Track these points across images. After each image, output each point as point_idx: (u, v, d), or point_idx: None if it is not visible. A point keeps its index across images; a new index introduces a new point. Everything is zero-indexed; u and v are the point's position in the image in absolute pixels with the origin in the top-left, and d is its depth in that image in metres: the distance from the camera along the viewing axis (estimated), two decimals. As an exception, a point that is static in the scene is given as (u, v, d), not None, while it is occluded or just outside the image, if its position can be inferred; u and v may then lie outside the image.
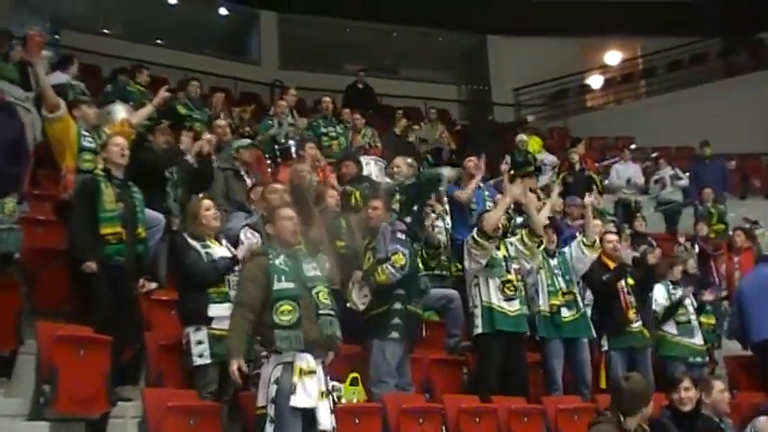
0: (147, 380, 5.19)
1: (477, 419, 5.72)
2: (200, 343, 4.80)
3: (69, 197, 5.47)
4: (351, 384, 5.44)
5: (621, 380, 4.26)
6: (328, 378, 4.31)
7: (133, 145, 5.70)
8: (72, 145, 5.81)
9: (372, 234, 5.84)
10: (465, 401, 5.85)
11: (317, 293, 4.26)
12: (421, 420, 5.43)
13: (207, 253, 4.95)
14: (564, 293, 6.61)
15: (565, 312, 6.56)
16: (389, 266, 5.56)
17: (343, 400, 5.29)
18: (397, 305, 5.61)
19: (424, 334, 5.99)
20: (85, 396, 4.62)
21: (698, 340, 7.33)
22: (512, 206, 7.64)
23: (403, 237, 5.73)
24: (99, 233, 5.05)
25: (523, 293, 6.32)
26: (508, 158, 7.94)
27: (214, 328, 4.80)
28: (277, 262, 4.28)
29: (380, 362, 5.52)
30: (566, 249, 6.86)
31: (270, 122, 9.20)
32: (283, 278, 4.25)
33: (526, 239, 6.34)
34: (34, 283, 5.63)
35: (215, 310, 4.82)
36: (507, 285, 6.16)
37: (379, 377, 5.50)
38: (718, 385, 5.19)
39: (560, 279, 6.66)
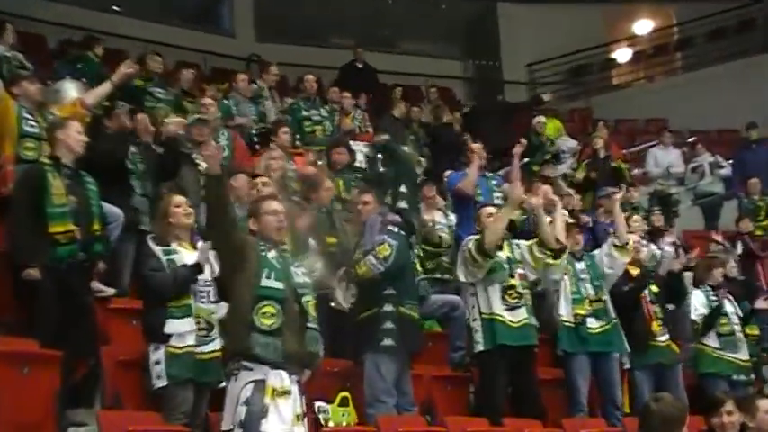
0: (103, 401, 5.17)
1: (486, 445, 5.74)
2: (157, 363, 4.81)
3: (9, 191, 5.44)
4: (340, 405, 5.46)
5: (651, 401, 4.26)
6: (303, 399, 4.29)
7: (88, 131, 5.68)
8: (11, 131, 5.80)
9: (360, 232, 5.85)
10: (471, 424, 5.87)
11: (307, 303, 4.28)
12: (421, 446, 5.46)
13: (170, 260, 4.92)
14: (591, 301, 6.61)
15: (592, 323, 6.56)
16: (371, 257, 5.56)
17: (331, 423, 5.31)
18: (388, 307, 5.60)
19: (422, 345, 5.97)
20: (30, 421, 4.59)
21: (742, 355, 7.37)
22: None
23: (395, 229, 5.75)
24: (47, 232, 5.04)
25: (530, 301, 6.25)
26: (524, 141, 7.97)
27: (173, 347, 4.80)
28: (269, 256, 4.29)
29: (375, 378, 5.52)
30: (595, 252, 6.84)
31: (229, 102, 9.18)
32: (273, 275, 4.24)
33: (536, 251, 6.24)
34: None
35: (173, 325, 4.82)
36: (510, 292, 6.11)
37: (375, 396, 5.50)
38: (765, 406, 5.18)
39: (588, 285, 6.67)
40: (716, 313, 7.31)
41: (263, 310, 4.15)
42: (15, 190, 5.30)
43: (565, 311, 6.60)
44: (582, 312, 6.57)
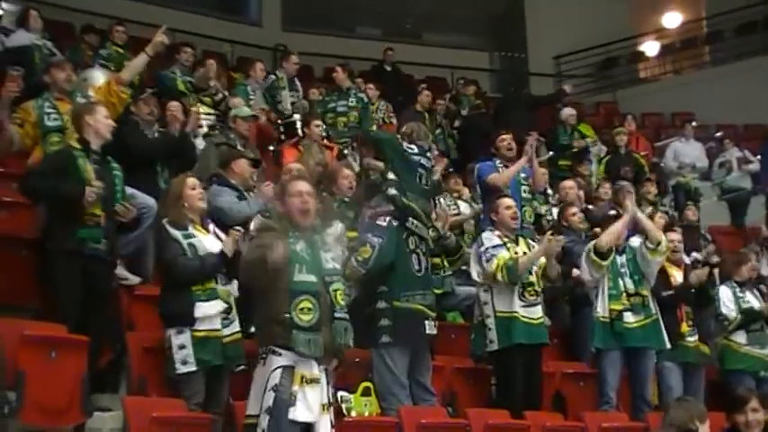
0: (128, 387, 5.23)
1: (508, 438, 5.74)
2: (182, 348, 4.78)
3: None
4: (362, 395, 5.45)
5: (673, 402, 4.28)
6: (330, 388, 4.24)
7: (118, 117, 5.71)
8: (33, 131, 5.85)
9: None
10: (493, 416, 5.86)
11: (335, 292, 4.18)
12: (442, 438, 5.46)
13: (190, 244, 4.89)
14: (629, 295, 6.53)
15: (629, 317, 6.48)
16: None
17: (353, 413, 5.31)
18: (382, 304, 5.55)
19: (434, 332, 5.86)
20: (57, 405, 4.64)
21: None
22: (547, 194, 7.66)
23: (384, 222, 5.64)
24: (74, 215, 5.06)
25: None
26: (535, 134, 7.89)
27: (199, 330, 4.80)
28: (298, 248, 4.17)
29: (384, 372, 5.52)
30: (635, 244, 6.69)
31: (246, 88, 9.20)
32: (304, 269, 4.13)
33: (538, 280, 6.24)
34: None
35: (202, 309, 4.81)
36: (528, 290, 6.11)
37: (387, 389, 5.50)
38: None
39: (627, 279, 6.57)
40: (751, 315, 7.22)
41: (301, 305, 4.07)
42: (39, 172, 5.30)
43: (600, 308, 6.54)
44: (618, 308, 6.49)
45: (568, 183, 8.41)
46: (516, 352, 5.99)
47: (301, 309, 4.07)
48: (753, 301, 7.34)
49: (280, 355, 4.07)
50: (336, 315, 4.15)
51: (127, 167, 5.61)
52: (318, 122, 8.21)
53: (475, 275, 6.23)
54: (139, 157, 6.21)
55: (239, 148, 7.14)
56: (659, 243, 6.54)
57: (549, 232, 6.56)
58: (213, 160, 6.92)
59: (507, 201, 6.44)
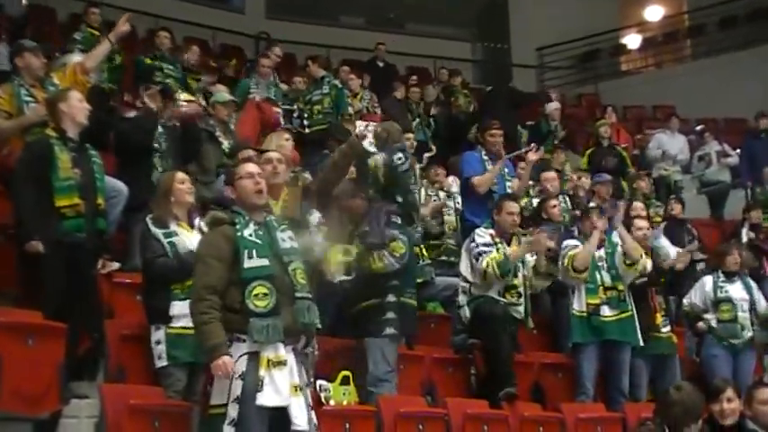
0: (106, 375, 5.21)
1: (486, 428, 5.76)
2: (158, 343, 4.86)
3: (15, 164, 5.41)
4: (341, 383, 5.46)
5: (673, 390, 4.28)
6: (303, 369, 4.19)
7: (92, 103, 5.64)
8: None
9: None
10: (471, 406, 5.89)
11: (294, 271, 4.11)
12: (421, 426, 5.47)
13: (171, 243, 4.92)
14: (606, 289, 6.60)
15: (605, 311, 6.56)
16: (388, 255, 5.52)
17: (332, 402, 5.32)
18: (391, 297, 5.56)
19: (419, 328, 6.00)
20: (34, 392, 4.62)
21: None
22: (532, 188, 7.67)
23: (399, 220, 5.69)
24: (53, 205, 5.03)
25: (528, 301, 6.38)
26: (534, 146, 7.89)
27: (174, 327, 4.84)
28: (246, 233, 4.10)
29: (379, 360, 5.54)
30: (617, 239, 6.75)
31: (249, 81, 9.20)
32: (255, 253, 4.05)
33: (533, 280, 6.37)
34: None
35: (177, 307, 4.83)
36: (511, 291, 6.28)
37: (378, 376, 5.52)
38: (762, 396, 5.17)
39: (604, 273, 6.65)
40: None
41: (255, 291, 3.99)
42: (20, 162, 5.23)
43: (577, 304, 6.61)
44: (595, 302, 6.56)
45: (550, 174, 8.43)
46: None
47: (256, 295, 4.00)
48: (735, 292, 7.35)
49: (243, 341, 4.01)
50: (297, 295, 4.08)
51: (123, 161, 5.53)
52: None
53: (463, 268, 6.35)
54: (140, 147, 6.16)
55: (217, 133, 7.10)
56: (636, 262, 6.62)
57: (538, 230, 6.60)
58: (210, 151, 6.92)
59: (512, 206, 6.50)
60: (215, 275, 4.04)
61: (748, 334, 7.26)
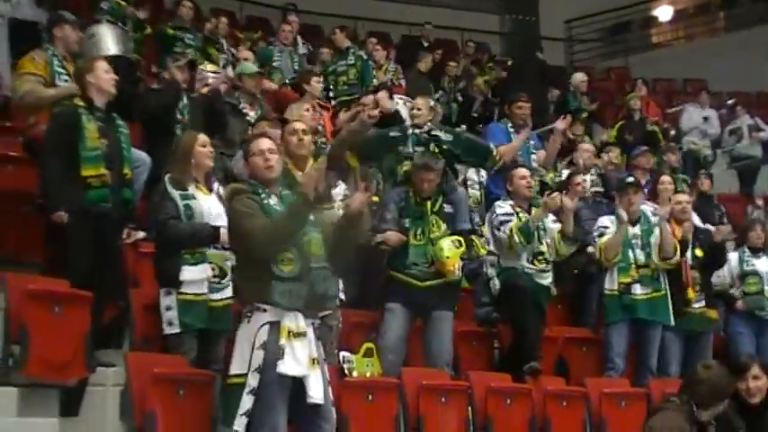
0: (131, 343, 5.26)
1: (509, 401, 5.77)
2: (168, 309, 4.82)
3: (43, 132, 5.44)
4: (364, 356, 5.48)
5: (700, 368, 4.26)
6: (320, 344, 4.22)
7: (119, 74, 5.64)
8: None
9: (421, 195, 5.80)
10: (494, 380, 5.90)
11: (309, 242, 4.11)
12: (443, 399, 5.48)
13: (187, 205, 4.87)
14: (639, 267, 6.55)
15: (636, 289, 6.52)
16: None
17: (355, 373, 5.33)
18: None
19: None
20: (60, 360, 4.66)
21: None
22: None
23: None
24: (80, 175, 5.05)
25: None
26: (568, 118, 7.82)
27: (185, 293, 4.81)
28: (271, 203, 4.14)
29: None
30: (654, 219, 6.70)
31: (272, 49, 9.18)
32: None
33: (561, 243, 6.35)
34: (2, 229, 5.67)
35: (188, 273, 4.81)
36: (539, 258, 6.30)
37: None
38: None
39: (638, 251, 6.58)
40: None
41: (281, 256, 4.00)
42: (48, 131, 5.28)
43: (609, 283, 6.57)
44: (627, 280, 6.52)
45: (586, 146, 8.39)
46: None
47: (282, 260, 4.01)
48: (761, 265, 7.31)
49: (264, 311, 4.02)
50: (313, 265, 4.08)
51: (146, 132, 5.54)
52: (319, 79, 8.15)
53: (488, 238, 6.40)
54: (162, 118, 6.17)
55: (242, 105, 7.07)
56: (670, 258, 6.57)
57: (547, 192, 6.60)
58: (234, 123, 6.92)
59: (522, 171, 6.53)
60: (263, 219, 4.05)
61: None
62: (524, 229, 6.16)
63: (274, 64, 9.22)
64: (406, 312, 5.70)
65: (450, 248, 5.63)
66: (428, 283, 5.70)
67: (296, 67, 9.42)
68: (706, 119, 11.48)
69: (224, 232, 4.70)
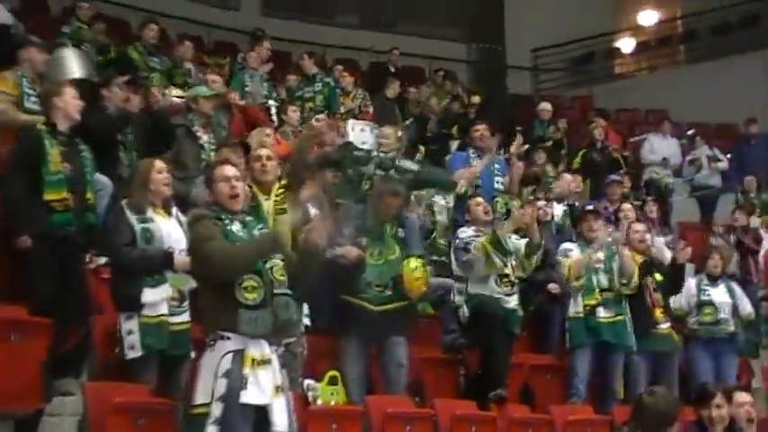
0: (91, 372, 5.14)
1: (474, 429, 5.72)
2: (130, 333, 4.74)
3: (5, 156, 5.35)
4: (329, 383, 5.40)
5: (645, 395, 4.22)
6: (285, 372, 4.17)
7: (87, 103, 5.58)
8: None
9: (385, 219, 5.75)
10: (460, 407, 5.85)
11: (272, 268, 4.08)
12: (408, 427, 5.42)
13: (145, 229, 4.81)
14: (602, 290, 6.59)
15: (601, 312, 6.55)
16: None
17: (320, 402, 5.25)
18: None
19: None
20: (16, 389, 4.57)
21: None
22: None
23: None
24: (43, 199, 4.97)
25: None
26: (520, 139, 7.89)
27: (147, 315, 4.75)
28: (234, 228, 4.10)
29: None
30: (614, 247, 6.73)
31: (243, 75, 9.13)
32: None
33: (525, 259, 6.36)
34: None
35: (149, 295, 4.75)
36: (504, 280, 6.27)
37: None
38: (740, 398, 5.10)
39: (601, 275, 6.64)
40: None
41: (245, 284, 3.96)
42: (11, 155, 5.19)
43: (573, 306, 6.60)
44: (592, 303, 6.55)
45: (569, 176, 8.49)
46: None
47: (245, 287, 3.97)
48: (717, 295, 7.31)
49: (228, 339, 3.96)
50: (276, 291, 4.06)
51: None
52: (295, 108, 8.14)
53: (454, 266, 6.41)
54: (102, 137, 6.08)
55: (195, 128, 6.98)
56: (629, 281, 6.64)
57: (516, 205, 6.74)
58: (187, 146, 6.82)
59: (477, 200, 6.64)
60: (224, 242, 4.01)
61: (729, 329, 7.22)
62: (496, 241, 6.13)
63: (246, 89, 9.15)
64: (361, 342, 5.62)
65: (419, 269, 5.60)
66: (383, 307, 5.61)
67: (266, 93, 9.35)
68: (665, 159, 11.58)
69: (178, 258, 4.66)
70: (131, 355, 4.73)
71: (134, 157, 6.32)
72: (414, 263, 5.61)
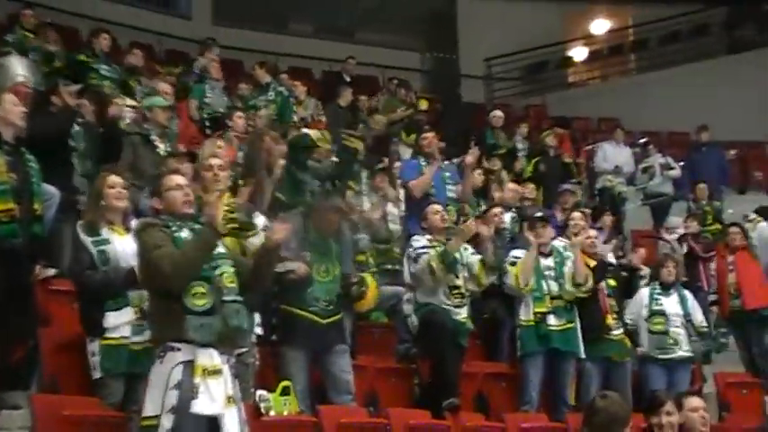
0: (39, 385, 5.07)
1: (428, 438, 5.74)
2: (93, 355, 4.76)
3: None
4: (281, 394, 5.39)
5: (598, 399, 4.28)
6: (237, 382, 4.16)
7: (32, 107, 5.54)
8: None
9: (325, 235, 5.77)
10: (413, 417, 5.87)
11: (222, 275, 4.08)
12: (362, 437, 5.43)
13: (101, 251, 4.80)
14: (552, 298, 6.64)
15: (551, 320, 6.60)
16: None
17: (272, 412, 5.25)
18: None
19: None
20: (-37, 403, 4.49)
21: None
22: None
23: None
24: None
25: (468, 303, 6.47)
26: (476, 151, 7.95)
27: (108, 338, 4.75)
28: (183, 235, 4.10)
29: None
30: (565, 251, 6.82)
31: (203, 86, 9.12)
32: None
33: (480, 276, 6.43)
34: None
35: (111, 318, 4.75)
36: (454, 292, 6.32)
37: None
38: (691, 403, 5.19)
39: (551, 282, 6.69)
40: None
41: (194, 291, 3.97)
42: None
43: (524, 314, 6.64)
44: (542, 310, 6.60)
45: (512, 185, 8.56)
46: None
47: (194, 294, 3.98)
48: (669, 305, 7.39)
49: (178, 350, 3.96)
50: (225, 299, 4.06)
51: (41, 160, 5.42)
52: (241, 114, 8.11)
53: (407, 277, 6.44)
54: (51, 138, 6.03)
55: (153, 137, 6.96)
56: (581, 284, 6.69)
57: (462, 220, 6.73)
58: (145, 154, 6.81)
59: (435, 207, 6.65)
60: (172, 249, 4.01)
61: (681, 350, 7.28)
62: (444, 255, 6.19)
63: (206, 100, 9.13)
64: (305, 354, 5.63)
65: (372, 282, 5.73)
66: (329, 320, 5.65)
67: (228, 104, 9.35)
68: (617, 167, 11.75)
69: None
70: (95, 375, 4.77)
71: (89, 165, 6.27)
72: (368, 278, 5.76)
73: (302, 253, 5.64)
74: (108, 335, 4.74)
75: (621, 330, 7.05)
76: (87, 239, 4.83)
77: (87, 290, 4.81)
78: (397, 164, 8.30)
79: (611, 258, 7.67)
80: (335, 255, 5.78)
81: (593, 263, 6.98)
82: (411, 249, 6.43)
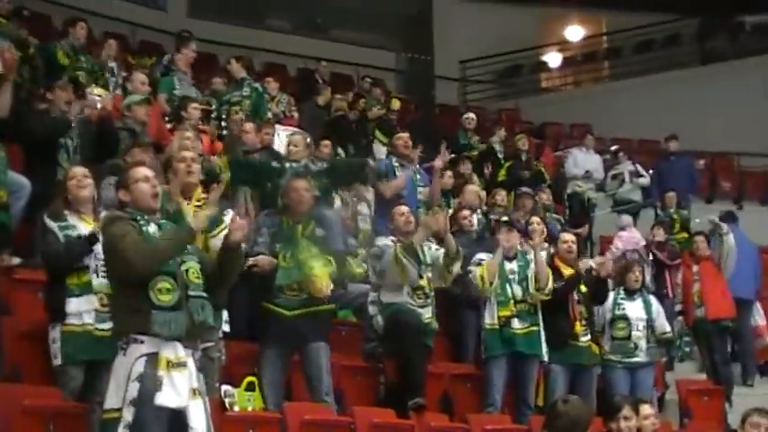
0: (1, 374, 5.01)
1: (392, 437, 5.75)
2: (54, 341, 4.71)
3: None
4: (246, 389, 5.38)
5: (559, 402, 4.31)
6: (202, 376, 4.14)
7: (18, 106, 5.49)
8: None
9: (297, 215, 5.69)
10: (378, 416, 5.87)
11: (187, 270, 4.06)
12: (326, 435, 5.42)
13: (66, 235, 4.78)
14: (517, 302, 6.67)
15: (515, 324, 6.63)
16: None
17: (237, 408, 5.23)
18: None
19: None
20: None
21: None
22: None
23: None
24: None
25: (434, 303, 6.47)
26: (445, 156, 7.96)
27: (69, 324, 4.70)
28: (150, 230, 4.07)
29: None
30: (529, 255, 6.84)
31: (172, 79, 9.03)
32: None
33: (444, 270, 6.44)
34: None
35: (73, 304, 4.70)
36: (417, 292, 6.33)
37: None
38: (644, 411, 5.24)
39: (515, 286, 6.72)
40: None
41: (159, 286, 3.94)
42: None
43: (489, 317, 6.67)
44: (506, 314, 6.63)
45: (472, 187, 8.55)
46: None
47: (159, 289, 3.95)
48: (632, 310, 7.40)
49: (141, 342, 3.92)
50: (191, 294, 4.04)
51: (27, 154, 5.39)
52: (196, 105, 8.03)
53: (370, 273, 6.45)
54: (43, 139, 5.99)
55: (139, 131, 6.93)
56: (543, 288, 6.71)
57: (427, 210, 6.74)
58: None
59: (401, 209, 6.62)
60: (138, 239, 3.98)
61: (643, 356, 7.32)
62: (409, 249, 6.18)
63: (175, 92, 9.04)
64: (279, 349, 5.60)
65: (319, 267, 5.51)
66: (297, 311, 5.56)
67: (196, 95, 9.24)
68: (588, 172, 11.82)
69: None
70: (55, 362, 4.71)
71: (77, 161, 6.16)
72: (312, 261, 5.51)
73: (272, 246, 5.60)
74: (70, 321, 4.69)
75: (589, 337, 7.05)
76: (53, 224, 4.82)
77: (52, 261, 4.75)
78: (372, 163, 8.26)
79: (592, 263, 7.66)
80: (305, 239, 5.64)
81: (569, 270, 7.01)
82: (375, 248, 6.44)
